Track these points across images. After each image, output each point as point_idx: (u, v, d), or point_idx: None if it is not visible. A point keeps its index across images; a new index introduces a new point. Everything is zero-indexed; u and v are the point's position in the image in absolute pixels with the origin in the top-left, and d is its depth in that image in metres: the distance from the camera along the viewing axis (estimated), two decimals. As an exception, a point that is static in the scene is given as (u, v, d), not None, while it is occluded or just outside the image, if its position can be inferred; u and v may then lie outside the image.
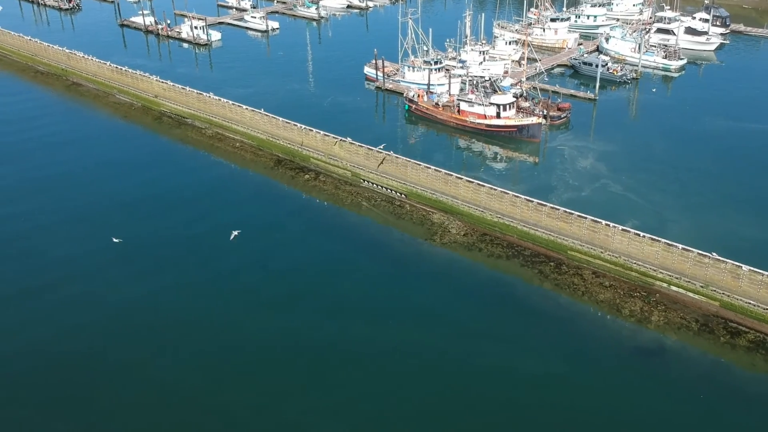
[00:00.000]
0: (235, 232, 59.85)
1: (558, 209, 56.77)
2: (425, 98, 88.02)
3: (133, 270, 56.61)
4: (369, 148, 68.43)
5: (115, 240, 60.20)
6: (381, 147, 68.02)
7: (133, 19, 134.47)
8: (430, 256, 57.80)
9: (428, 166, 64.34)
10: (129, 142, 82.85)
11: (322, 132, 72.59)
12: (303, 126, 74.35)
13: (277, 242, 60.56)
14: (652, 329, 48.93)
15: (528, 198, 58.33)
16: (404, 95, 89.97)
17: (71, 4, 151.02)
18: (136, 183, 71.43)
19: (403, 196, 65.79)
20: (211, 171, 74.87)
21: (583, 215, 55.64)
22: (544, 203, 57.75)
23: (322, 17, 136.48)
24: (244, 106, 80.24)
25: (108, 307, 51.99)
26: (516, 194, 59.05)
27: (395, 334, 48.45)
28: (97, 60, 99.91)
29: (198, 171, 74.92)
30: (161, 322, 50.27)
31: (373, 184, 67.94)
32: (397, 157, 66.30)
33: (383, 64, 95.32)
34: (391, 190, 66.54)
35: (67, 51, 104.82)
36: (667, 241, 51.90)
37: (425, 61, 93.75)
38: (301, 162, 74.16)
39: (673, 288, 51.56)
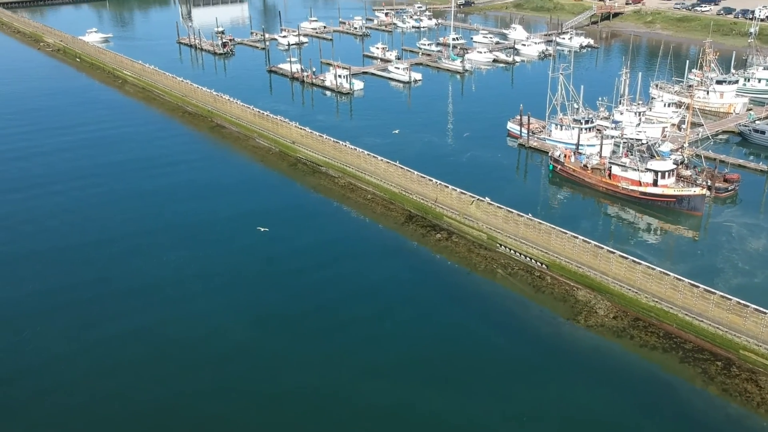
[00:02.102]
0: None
1: (729, 299, 48.32)
2: (572, 159, 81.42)
3: (238, 304, 55.61)
4: (509, 210, 62.71)
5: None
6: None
7: (280, 65, 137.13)
8: (572, 338, 50.82)
9: (575, 235, 57.60)
10: (261, 186, 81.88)
11: (458, 189, 67.78)
12: (438, 181, 69.96)
13: (400, 304, 55.87)
14: None
15: (693, 282, 50.21)
16: (549, 154, 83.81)
17: (225, 50, 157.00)
18: (262, 225, 69.66)
19: (543, 266, 59.28)
20: (339, 221, 71.82)
21: (761, 309, 46.94)
22: (713, 290, 49.43)
23: (467, 70, 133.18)
24: (379, 157, 77.12)
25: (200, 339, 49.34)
26: (678, 277, 51.08)
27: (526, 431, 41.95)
28: (241, 103, 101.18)
29: (326, 220, 72.09)
30: (256, 362, 47.20)
31: (510, 250, 61.95)
32: (540, 223, 60.09)
33: (528, 120, 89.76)
34: (531, 259, 60.23)
35: (214, 93, 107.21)
36: None
37: (575, 120, 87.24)
38: (433, 219, 69.52)
39: None
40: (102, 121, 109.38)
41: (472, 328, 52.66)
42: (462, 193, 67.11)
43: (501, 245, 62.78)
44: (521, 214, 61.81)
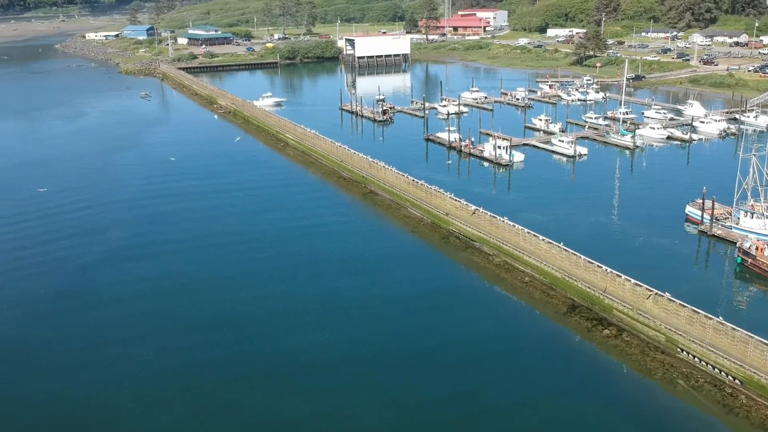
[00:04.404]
0: None
1: None
2: (766, 252, 70.47)
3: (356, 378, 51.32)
4: (694, 310, 53.61)
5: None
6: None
7: (438, 134, 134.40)
8: (778, 481, 41.06)
9: (781, 348, 47.77)
10: (410, 258, 77.56)
11: (632, 280, 59.45)
12: (608, 269, 61.97)
13: (558, 409, 48.38)
14: None
15: None
16: (737, 245, 73.26)
17: (385, 117, 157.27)
18: (407, 306, 65.41)
19: (737, 382, 49.56)
20: (491, 305, 65.78)
21: None
22: None
23: (638, 146, 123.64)
24: (540, 237, 70.39)
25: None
26: None
27: None
28: (395, 171, 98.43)
29: (477, 302, 66.21)
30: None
31: (695, 357, 52.68)
32: (734, 329, 50.58)
33: (713, 204, 79.64)
34: (721, 371, 50.66)
35: (369, 159, 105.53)
36: None
37: (770, 208, 76.32)
38: (600, 312, 61.45)
39: None
40: (261, 179, 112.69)
41: (647, 450, 44.21)
42: (637, 284, 58.75)
43: (683, 350, 53.62)
44: (710, 315, 52.53)
